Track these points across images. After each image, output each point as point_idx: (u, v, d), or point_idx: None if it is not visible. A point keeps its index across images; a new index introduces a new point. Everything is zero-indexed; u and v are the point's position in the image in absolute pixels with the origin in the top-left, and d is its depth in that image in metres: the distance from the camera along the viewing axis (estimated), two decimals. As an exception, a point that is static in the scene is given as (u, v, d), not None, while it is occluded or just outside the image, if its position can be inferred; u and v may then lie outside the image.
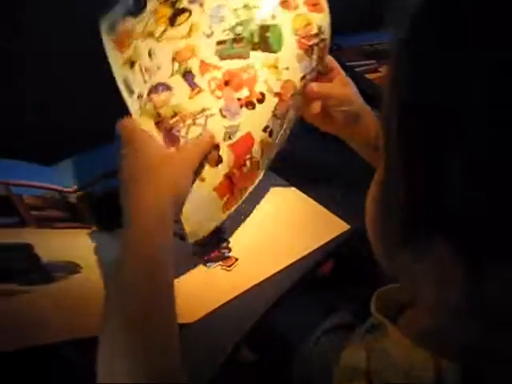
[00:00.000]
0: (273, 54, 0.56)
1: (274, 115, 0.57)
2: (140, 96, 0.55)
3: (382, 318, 0.37)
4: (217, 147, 0.55)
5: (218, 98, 0.55)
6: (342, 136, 0.66)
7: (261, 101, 0.56)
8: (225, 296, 0.60)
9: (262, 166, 0.60)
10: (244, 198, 0.61)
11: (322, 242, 0.67)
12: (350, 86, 0.64)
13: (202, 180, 0.54)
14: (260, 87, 0.56)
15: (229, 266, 0.64)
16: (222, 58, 0.55)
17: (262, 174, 0.62)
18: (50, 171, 0.73)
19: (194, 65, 0.55)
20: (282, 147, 0.63)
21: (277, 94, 0.57)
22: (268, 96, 0.56)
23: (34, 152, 0.72)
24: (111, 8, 0.60)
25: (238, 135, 0.55)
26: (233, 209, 0.60)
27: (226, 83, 0.55)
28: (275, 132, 0.59)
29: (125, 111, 0.83)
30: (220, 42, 0.56)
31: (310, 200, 0.73)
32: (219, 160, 0.55)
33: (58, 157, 0.75)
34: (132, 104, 0.55)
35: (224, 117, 0.55)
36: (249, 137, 0.56)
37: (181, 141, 0.53)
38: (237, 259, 0.64)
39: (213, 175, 0.55)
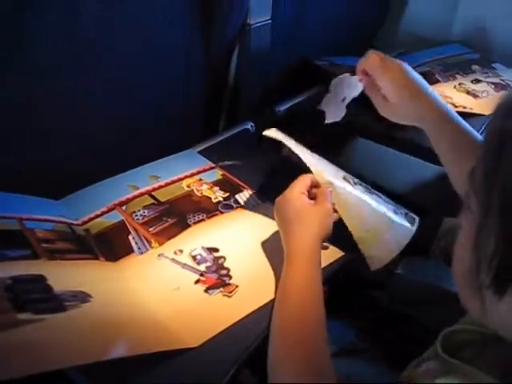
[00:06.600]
0: None
1: None
2: None
3: (456, 361, 0.43)
4: None
5: None
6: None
7: None
8: (226, 321, 0.62)
9: None
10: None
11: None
12: None
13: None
14: None
15: (230, 293, 0.66)
16: None
17: None
18: (59, 205, 0.77)
19: None
20: None
21: None
22: None
23: (40, 187, 0.76)
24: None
25: None
26: None
27: None
28: None
29: (125, 150, 0.87)
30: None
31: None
32: None
33: (65, 191, 0.79)
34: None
35: None
36: None
37: None
38: (237, 286, 0.67)
39: None
